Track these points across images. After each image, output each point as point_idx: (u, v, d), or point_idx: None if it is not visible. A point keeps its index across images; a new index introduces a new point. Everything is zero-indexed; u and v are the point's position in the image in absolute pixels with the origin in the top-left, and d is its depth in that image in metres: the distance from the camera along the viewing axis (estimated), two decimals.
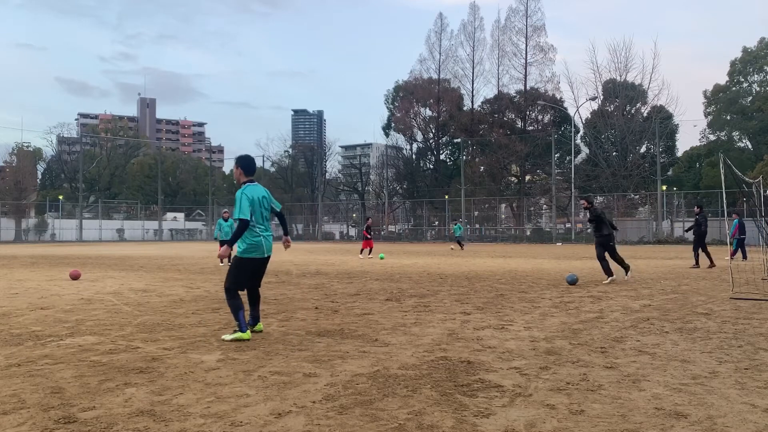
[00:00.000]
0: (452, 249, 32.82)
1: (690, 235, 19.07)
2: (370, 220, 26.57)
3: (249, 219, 5.95)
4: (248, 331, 5.99)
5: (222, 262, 18.00)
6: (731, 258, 14.59)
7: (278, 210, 6.50)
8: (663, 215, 50.24)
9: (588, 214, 12.74)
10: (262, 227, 6.15)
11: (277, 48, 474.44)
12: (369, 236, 23.88)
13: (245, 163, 6.38)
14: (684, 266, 17.66)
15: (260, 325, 6.40)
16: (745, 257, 19.71)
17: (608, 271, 12.15)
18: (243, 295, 6.24)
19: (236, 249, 6.29)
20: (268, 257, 6.25)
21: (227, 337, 5.98)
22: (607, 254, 12.30)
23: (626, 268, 12.57)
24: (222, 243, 18.46)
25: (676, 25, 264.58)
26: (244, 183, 6.20)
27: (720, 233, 41.31)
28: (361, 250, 23.65)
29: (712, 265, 16.50)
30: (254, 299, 6.41)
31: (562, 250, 33.31)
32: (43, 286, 11.62)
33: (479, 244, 48.83)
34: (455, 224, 37.02)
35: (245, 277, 6.18)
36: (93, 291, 10.74)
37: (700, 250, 17.00)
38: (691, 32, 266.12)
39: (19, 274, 14.96)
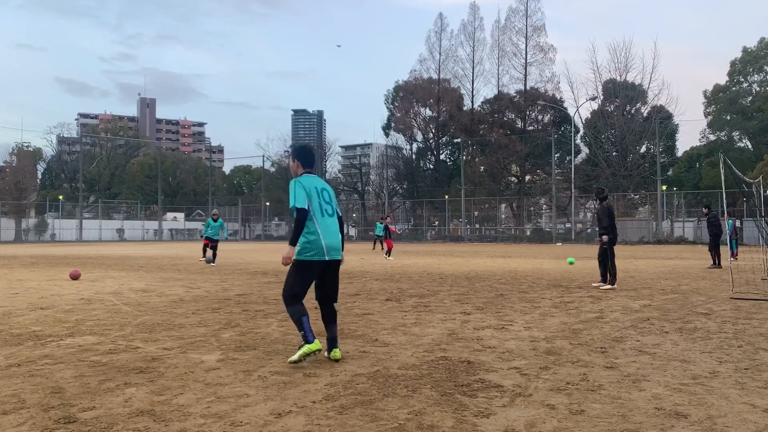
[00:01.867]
0: (373, 250, 29.57)
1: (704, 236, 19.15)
2: (388, 219, 26.28)
3: (306, 208, 5.01)
4: (317, 341, 4.89)
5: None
6: (734, 258, 14.61)
7: (339, 216, 5.39)
8: (663, 215, 50.30)
9: (600, 207, 11.45)
10: (323, 223, 5.10)
11: (277, 48, 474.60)
12: (388, 235, 24.37)
13: (302, 154, 5.39)
14: (684, 266, 17.67)
15: (337, 352, 5.12)
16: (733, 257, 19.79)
17: (605, 276, 11.22)
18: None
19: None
20: (333, 262, 5.14)
21: (293, 358, 4.93)
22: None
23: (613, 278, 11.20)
24: (208, 239, 18.56)
25: (676, 25, 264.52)
26: (301, 175, 5.28)
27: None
28: (388, 251, 23.73)
29: (716, 266, 16.53)
30: (328, 316, 5.22)
31: (562, 250, 33.32)
32: (43, 286, 11.62)
33: (479, 244, 48.84)
34: (379, 222, 33.40)
35: (302, 284, 5.07)
36: (93, 291, 10.74)
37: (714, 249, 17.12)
38: (691, 32, 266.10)
39: (19, 274, 14.96)
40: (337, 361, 5.07)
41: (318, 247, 5.02)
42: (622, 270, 15.97)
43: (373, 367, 4.86)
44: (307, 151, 5.46)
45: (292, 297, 5.03)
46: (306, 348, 4.84)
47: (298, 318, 4.95)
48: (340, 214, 5.41)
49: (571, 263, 18.87)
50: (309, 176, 5.24)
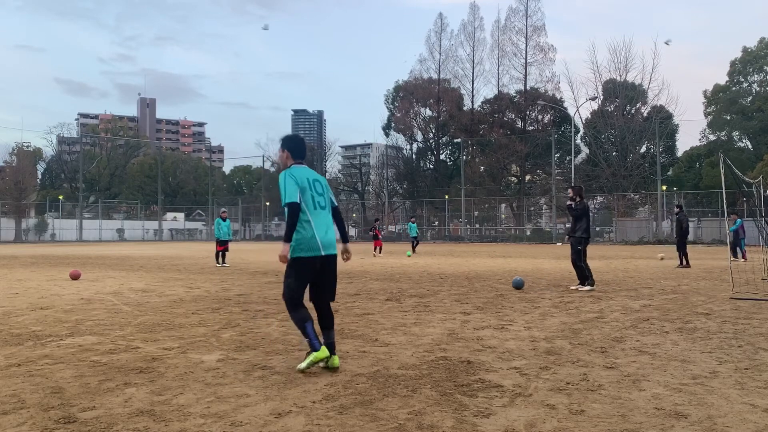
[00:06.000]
0: (410, 255, 25.76)
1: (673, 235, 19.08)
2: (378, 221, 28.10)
3: (298, 202, 4.79)
4: (323, 348, 4.69)
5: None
6: (745, 259, 14.54)
7: (334, 206, 5.18)
8: (663, 215, 50.27)
9: (574, 205, 10.98)
10: (315, 217, 4.88)
11: (276, 49, 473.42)
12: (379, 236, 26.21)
13: (292, 144, 5.11)
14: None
15: (335, 359, 4.83)
16: (743, 258, 19.75)
17: (583, 278, 10.81)
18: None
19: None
20: (330, 257, 4.90)
21: (302, 365, 4.71)
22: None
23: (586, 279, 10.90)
24: (220, 242, 18.45)
25: (676, 25, 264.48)
26: (290, 166, 5.05)
27: (720, 233, 41.34)
28: (376, 248, 25.60)
29: (686, 265, 16.51)
30: (324, 320, 4.97)
31: (562, 250, 33.29)
32: (43, 286, 11.62)
33: (479, 244, 48.84)
34: (411, 221, 30.30)
35: (301, 282, 4.85)
36: (93, 291, 10.74)
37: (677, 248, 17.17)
38: (691, 32, 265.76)
39: (19, 274, 14.96)
40: (335, 369, 4.78)
41: (312, 243, 4.79)
42: (622, 270, 15.98)
43: (373, 367, 4.86)
44: (298, 141, 5.18)
45: (293, 300, 4.81)
46: (313, 356, 4.64)
47: (302, 325, 4.75)
48: (336, 204, 5.19)
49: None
50: (300, 167, 5.01)
